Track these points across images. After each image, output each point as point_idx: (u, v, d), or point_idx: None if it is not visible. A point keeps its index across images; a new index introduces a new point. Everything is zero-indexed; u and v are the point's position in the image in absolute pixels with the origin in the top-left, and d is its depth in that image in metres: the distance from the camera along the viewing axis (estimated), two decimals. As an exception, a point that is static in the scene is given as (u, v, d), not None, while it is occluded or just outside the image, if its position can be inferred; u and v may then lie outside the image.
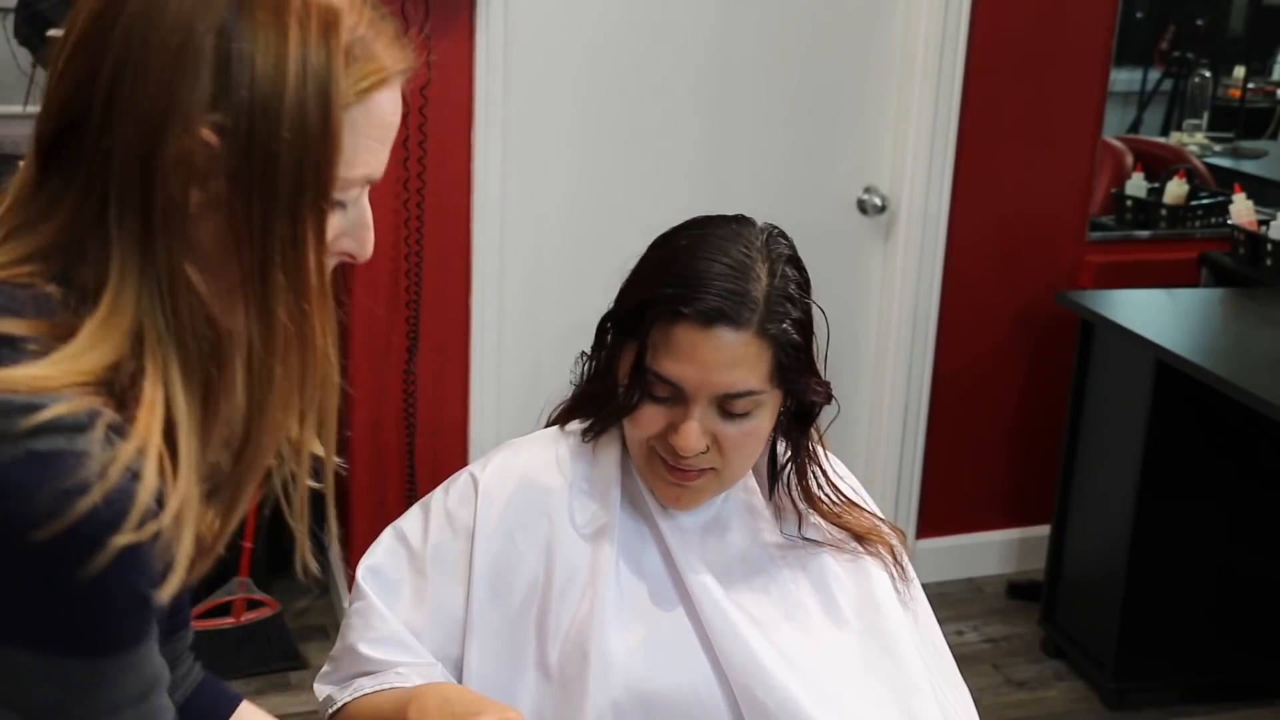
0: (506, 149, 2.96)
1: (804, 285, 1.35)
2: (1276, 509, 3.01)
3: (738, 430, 1.32)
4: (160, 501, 0.84)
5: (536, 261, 3.09)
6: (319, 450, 0.93)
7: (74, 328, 0.85)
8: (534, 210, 3.05)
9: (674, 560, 1.38)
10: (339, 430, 0.94)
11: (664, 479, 1.36)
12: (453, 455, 3.10)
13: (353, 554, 3.13)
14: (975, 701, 1.48)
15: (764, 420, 1.34)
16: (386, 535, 1.46)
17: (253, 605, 3.02)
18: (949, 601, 3.43)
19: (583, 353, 1.48)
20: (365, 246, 0.97)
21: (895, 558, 1.44)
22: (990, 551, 3.62)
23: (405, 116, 3.12)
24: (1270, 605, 3.07)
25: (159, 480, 0.84)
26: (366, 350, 2.99)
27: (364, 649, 1.37)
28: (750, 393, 1.30)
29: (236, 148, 0.85)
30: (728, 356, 1.29)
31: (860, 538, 1.43)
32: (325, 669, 1.43)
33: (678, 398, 1.32)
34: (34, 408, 0.80)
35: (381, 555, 1.45)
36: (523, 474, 1.42)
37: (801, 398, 1.36)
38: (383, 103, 0.92)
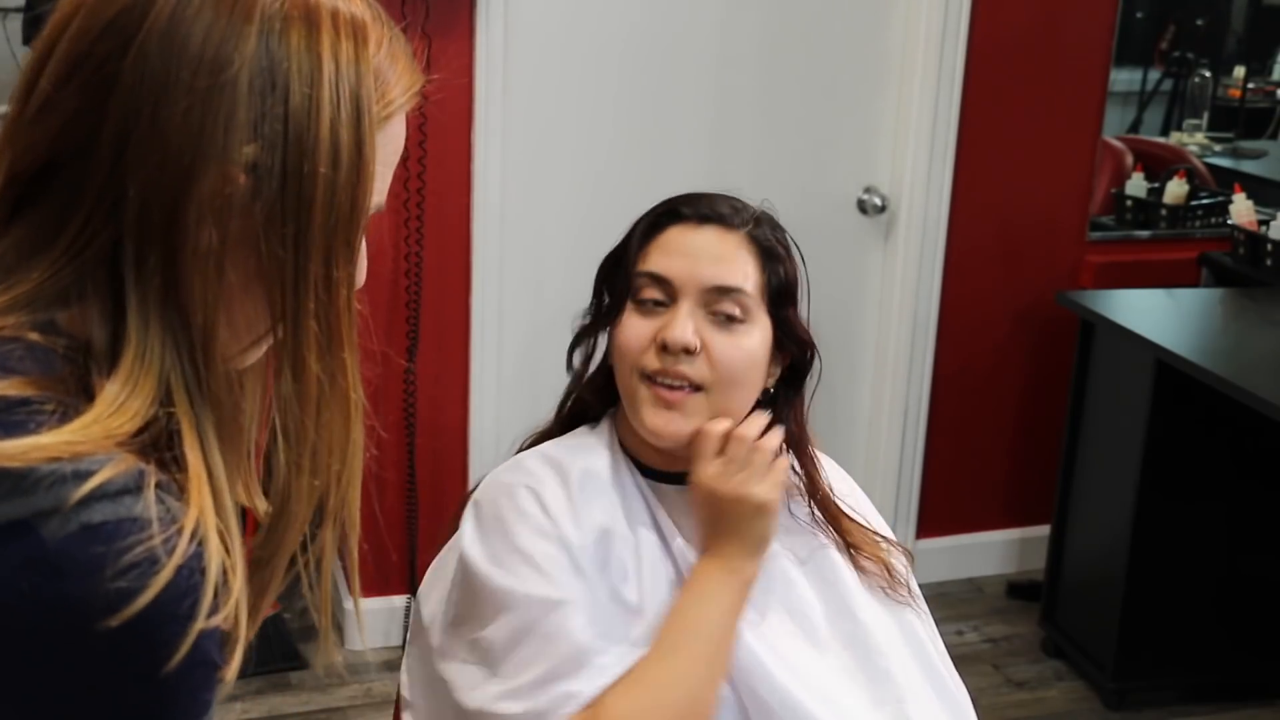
0: (506, 149, 2.96)
1: (790, 248, 1.40)
2: (1277, 509, 3.01)
3: (728, 339, 1.32)
4: (225, 573, 0.76)
5: (536, 261, 3.09)
6: (349, 516, 0.87)
7: (86, 385, 0.78)
8: (534, 210, 3.05)
9: (671, 549, 1.37)
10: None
11: (651, 401, 1.33)
12: (453, 455, 3.10)
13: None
14: (975, 702, 1.47)
15: (755, 340, 1.34)
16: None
17: (253, 605, 3.02)
18: (949, 601, 3.42)
19: (572, 345, 1.46)
20: (363, 275, 0.91)
21: (890, 573, 1.42)
22: (990, 551, 3.62)
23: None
24: (1271, 605, 3.07)
25: (223, 549, 0.76)
26: (366, 350, 2.99)
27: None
28: (740, 291, 1.33)
29: (269, 186, 0.78)
30: (717, 250, 1.34)
31: (852, 545, 1.42)
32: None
33: (666, 298, 1.34)
34: (82, 475, 0.72)
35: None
36: (542, 481, 1.37)
37: (789, 333, 1.37)
38: (399, 127, 0.87)
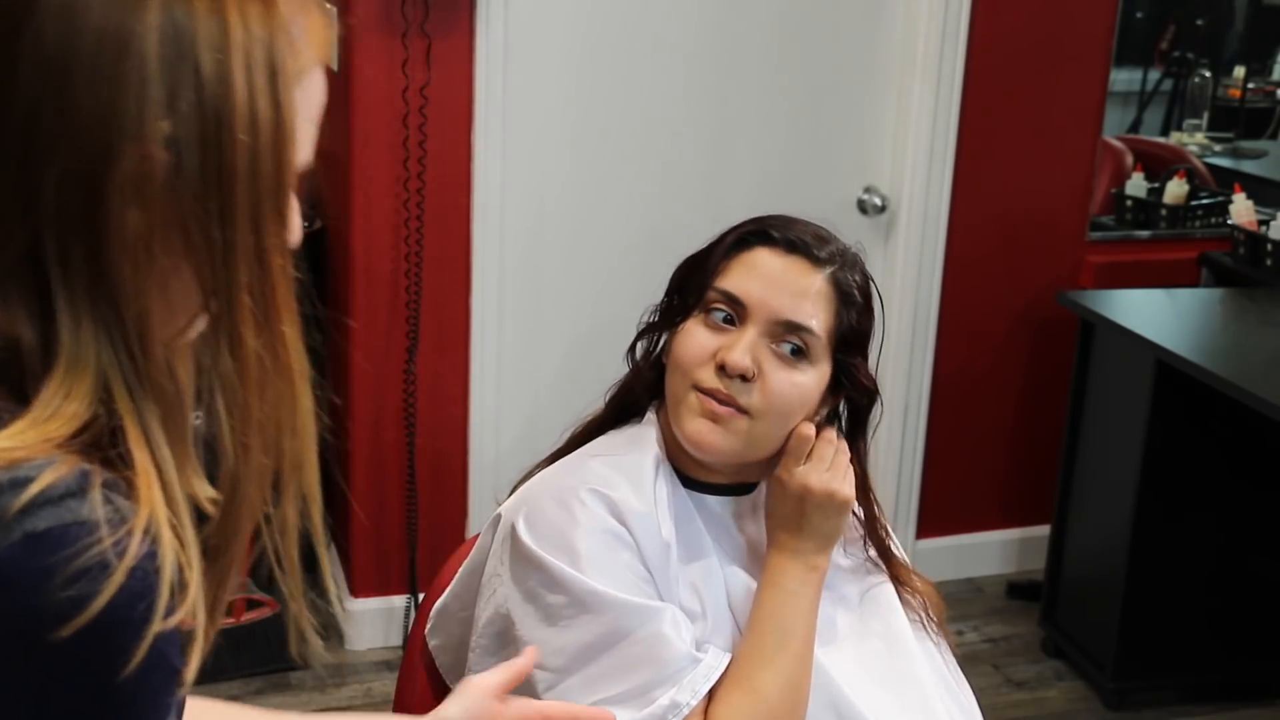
0: (506, 149, 2.96)
1: (870, 281, 1.40)
2: (1276, 509, 3.01)
3: (785, 374, 1.32)
4: (181, 570, 0.74)
5: (536, 261, 3.08)
6: (309, 495, 0.84)
7: (19, 389, 0.74)
8: (534, 210, 3.05)
9: (718, 560, 1.38)
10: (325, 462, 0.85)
11: (696, 410, 1.33)
12: (453, 455, 3.10)
13: (352, 553, 3.13)
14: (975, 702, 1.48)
15: (810, 379, 1.34)
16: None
17: (253, 605, 3.02)
18: (949, 601, 3.40)
19: (634, 343, 1.46)
20: (296, 233, 0.86)
21: (929, 609, 1.46)
22: (990, 551, 3.62)
23: (405, 117, 3.12)
24: (1271, 605, 3.07)
25: (178, 544, 0.74)
26: (366, 350, 3.00)
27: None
28: (806, 329, 1.32)
29: (190, 160, 0.74)
30: (800, 285, 1.34)
31: (899, 580, 1.45)
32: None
33: (735, 317, 1.34)
34: (21, 482, 0.69)
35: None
36: (614, 501, 1.35)
37: (851, 379, 1.37)
38: (317, 81, 0.82)
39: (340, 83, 2.95)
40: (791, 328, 1.32)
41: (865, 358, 1.38)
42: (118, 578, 0.69)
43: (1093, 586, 3.11)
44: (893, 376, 3.39)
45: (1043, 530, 3.36)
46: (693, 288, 1.38)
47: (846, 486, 1.35)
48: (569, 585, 1.28)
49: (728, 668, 1.30)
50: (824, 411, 1.39)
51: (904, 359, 3.38)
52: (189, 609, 0.74)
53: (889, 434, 3.43)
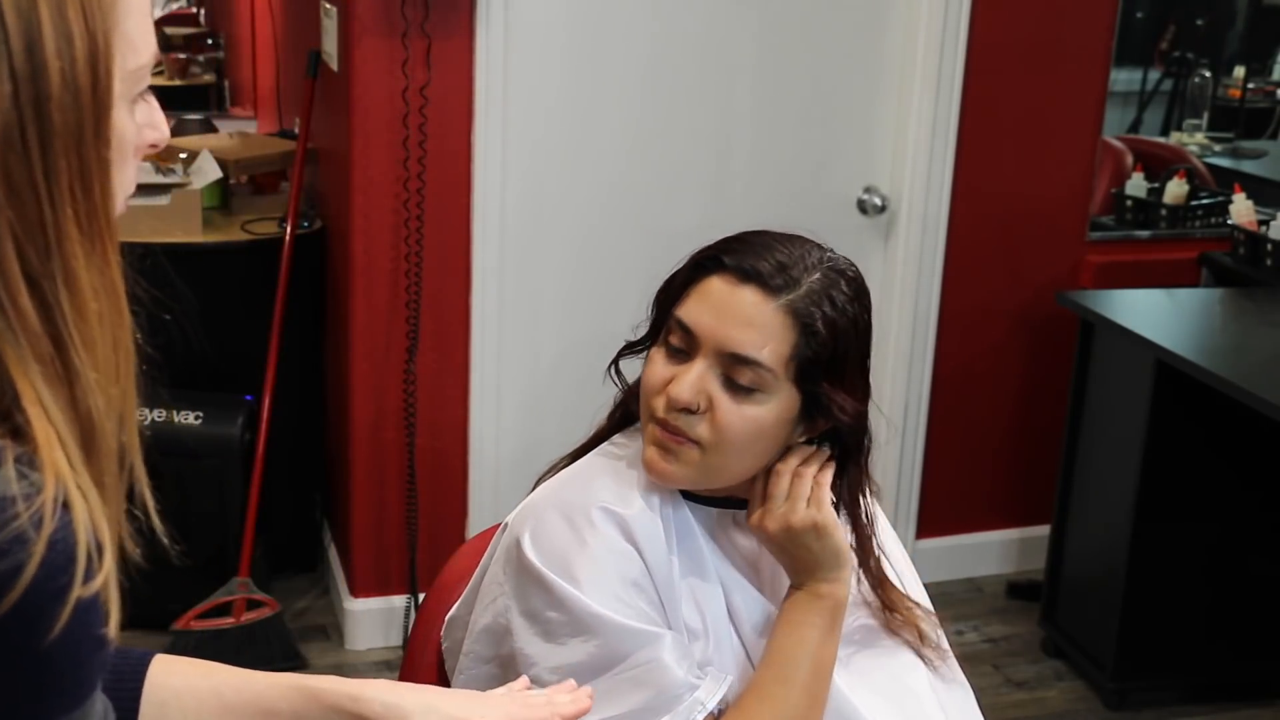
0: (506, 149, 2.96)
1: (856, 303, 1.33)
2: (1276, 509, 3.01)
3: (736, 408, 1.29)
4: (97, 533, 0.74)
5: (536, 261, 3.08)
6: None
7: None
8: (534, 210, 3.05)
9: (718, 571, 1.37)
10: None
11: (653, 439, 1.33)
12: (453, 455, 3.10)
13: (352, 554, 3.13)
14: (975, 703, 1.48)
15: (767, 412, 1.29)
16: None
17: (253, 605, 3.02)
18: (949, 601, 3.42)
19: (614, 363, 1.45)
20: (164, 128, 0.85)
21: (922, 639, 1.42)
22: (990, 551, 3.62)
23: (405, 117, 3.10)
24: (1271, 605, 3.07)
25: (86, 507, 0.73)
26: (366, 350, 2.99)
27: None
28: (756, 363, 1.27)
29: (2, 94, 0.71)
30: (746, 315, 1.28)
31: (889, 608, 1.41)
32: None
33: (688, 349, 1.31)
34: None
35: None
36: (621, 519, 1.34)
37: (822, 409, 1.31)
38: None
39: (340, 83, 2.95)
40: (739, 360, 1.28)
41: (842, 383, 1.31)
42: (39, 550, 0.69)
43: (1093, 586, 3.11)
44: (893, 376, 3.39)
45: (1043, 530, 3.36)
46: (660, 312, 1.37)
47: (806, 512, 1.30)
48: (569, 605, 1.27)
49: (734, 701, 1.29)
50: (802, 437, 1.34)
51: (904, 359, 3.38)
52: (108, 571, 0.73)
53: (889, 434, 3.43)
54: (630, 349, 1.42)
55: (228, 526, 3.07)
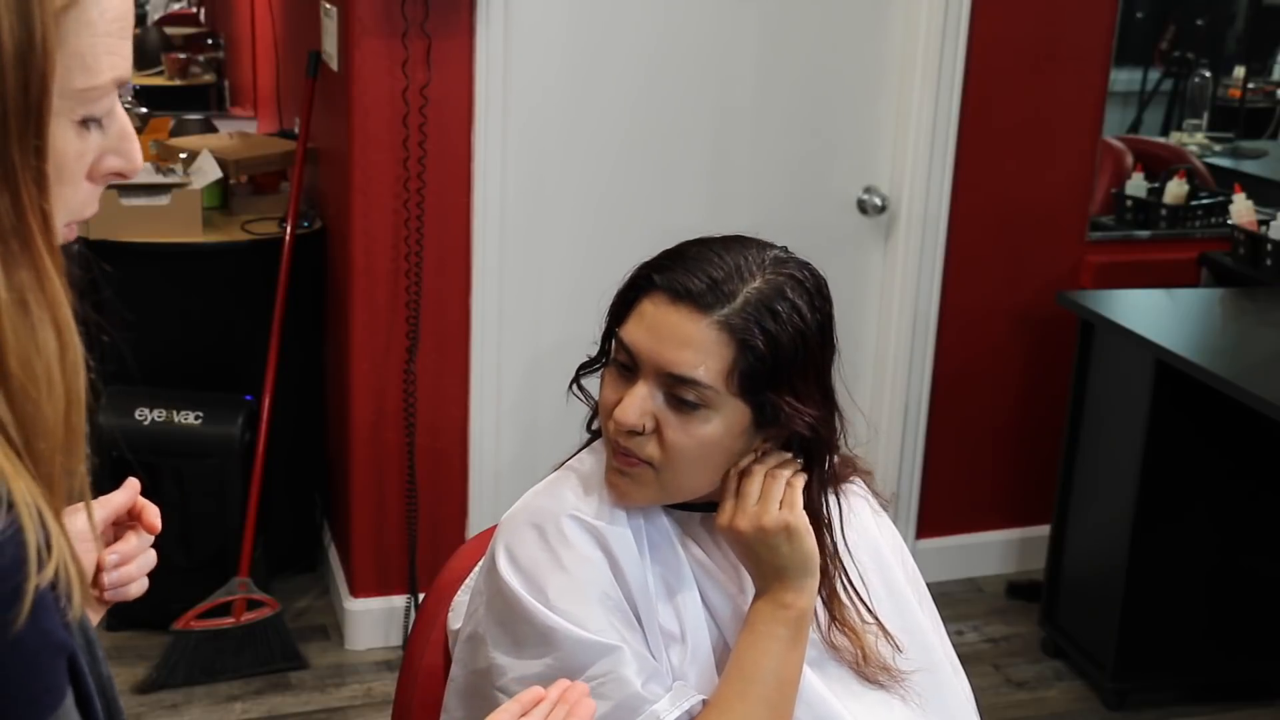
0: (506, 149, 2.96)
1: (806, 307, 1.30)
2: (1276, 509, 3.01)
3: (682, 427, 1.28)
4: (45, 528, 0.72)
5: (536, 261, 3.09)
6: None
7: None
8: (534, 210, 3.05)
9: (696, 576, 1.36)
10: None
11: (611, 464, 1.33)
12: (453, 455, 3.10)
13: (352, 553, 3.13)
14: (975, 702, 1.47)
15: (715, 428, 1.28)
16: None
17: (253, 605, 3.02)
18: (949, 601, 3.42)
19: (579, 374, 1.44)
20: (133, 159, 0.82)
21: (865, 659, 1.37)
22: (990, 551, 3.62)
23: (405, 117, 3.10)
24: (1270, 605, 3.07)
25: (32, 506, 0.71)
26: (366, 350, 2.99)
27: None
28: (695, 382, 1.26)
29: None
30: (681, 335, 1.27)
31: (836, 620, 1.37)
32: None
33: (633, 368, 1.30)
34: None
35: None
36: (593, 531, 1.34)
37: (774, 418, 1.29)
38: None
39: (340, 83, 2.95)
40: (677, 380, 1.27)
41: (792, 391, 1.28)
42: None
43: (1093, 586, 3.11)
44: (893, 376, 3.39)
45: (1043, 530, 3.36)
46: (608, 330, 1.37)
47: (779, 513, 1.29)
48: (533, 618, 1.28)
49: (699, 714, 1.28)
50: (764, 445, 1.32)
51: (904, 359, 3.38)
52: (57, 562, 0.72)
53: (889, 434, 3.43)
54: (586, 369, 1.41)
55: (228, 526, 3.07)
